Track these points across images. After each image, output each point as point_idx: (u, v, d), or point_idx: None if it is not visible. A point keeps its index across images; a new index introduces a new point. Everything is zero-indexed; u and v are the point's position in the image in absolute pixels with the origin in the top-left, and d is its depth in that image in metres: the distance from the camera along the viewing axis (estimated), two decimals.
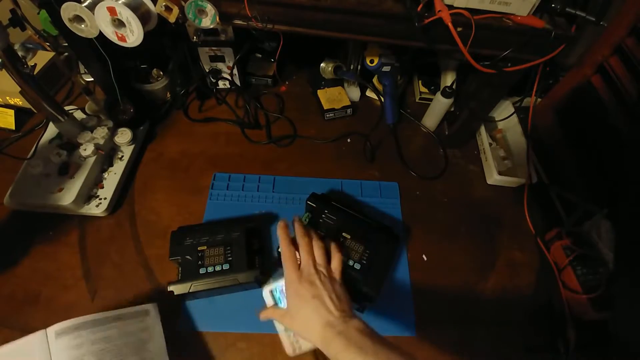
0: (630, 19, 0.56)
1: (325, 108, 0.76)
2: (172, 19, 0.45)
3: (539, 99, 0.75)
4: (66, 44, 0.71)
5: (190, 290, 0.48)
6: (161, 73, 0.73)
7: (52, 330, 0.43)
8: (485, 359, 0.52)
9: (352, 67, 0.76)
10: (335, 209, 0.55)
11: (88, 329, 0.43)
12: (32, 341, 0.43)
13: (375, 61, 0.69)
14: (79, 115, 0.66)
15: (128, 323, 0.46)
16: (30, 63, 0.56)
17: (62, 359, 0.42)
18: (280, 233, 0.46)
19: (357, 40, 0.61)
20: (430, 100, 0.75)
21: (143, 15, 0.44)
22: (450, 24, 0.43)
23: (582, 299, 0.53)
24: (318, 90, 0.79)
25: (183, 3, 0.45)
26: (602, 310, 0.52)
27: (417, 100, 0.83)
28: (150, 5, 0.45)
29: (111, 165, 0.64)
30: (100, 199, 0.59)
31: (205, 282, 0.49)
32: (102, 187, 0.61)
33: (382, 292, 0.53)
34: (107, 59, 0.56)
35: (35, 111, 0.71)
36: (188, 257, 0.51)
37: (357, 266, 0.50)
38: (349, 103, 0.77)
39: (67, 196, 0.56)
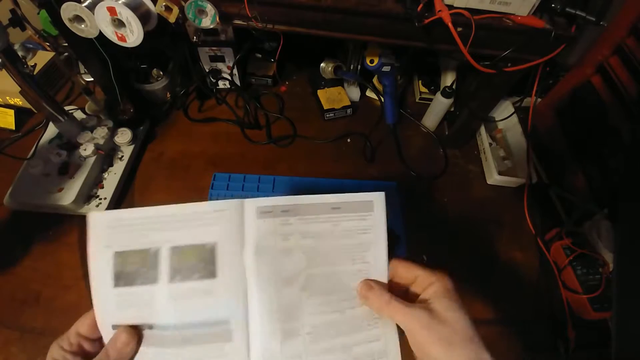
0: (630, 19, 0.56)
1: (325, 108, 0.76)
2: (172, 19, 0.45)
3: (539, 99, 0.75)
4: (66, 44, 0.71)
5: None
6: (161, 73, 0.73)
7: (252, 204, 0.29)
8: None
9: (352, 67, 0.76)
10: None
11: (298, 216, 0.30)
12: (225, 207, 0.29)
13: (375, 61, 0.69)
14: (79, 115, 0.66)
15: (346, 218, 0.31)
16: (30, 63, 0.56)
17: (263, 243, 0.29)
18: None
19: (357, 40, 0.61)
20: (430, 100, 0.75)
21: (143, 15, 0.44)
22: (450, 24, 0.43)
23: (582, 299, 0.53)
24: (318, 90, 0.79)
25: (183, 3, 0.45)
26: (602, 310, 0.52)
27: (417, 100, 0.83)
28: (150, 5, 0.45)
29: (111, 165, 0.64)
30: (100, 199, 0.59)
31: None
32: (102, 187, 0.61)
33: None
34: (107, 59, 0.56)
35: (35, 111, 0.71)
36: None
37: None
38: (349, 103, 0.77)
39: (67, 196, 0.56)
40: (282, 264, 0.29)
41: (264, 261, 0.28)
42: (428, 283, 0.29)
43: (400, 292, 0.30)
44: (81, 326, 0.28)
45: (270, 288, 0.28)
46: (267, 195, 0.63)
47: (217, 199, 0.62)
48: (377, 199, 0.32)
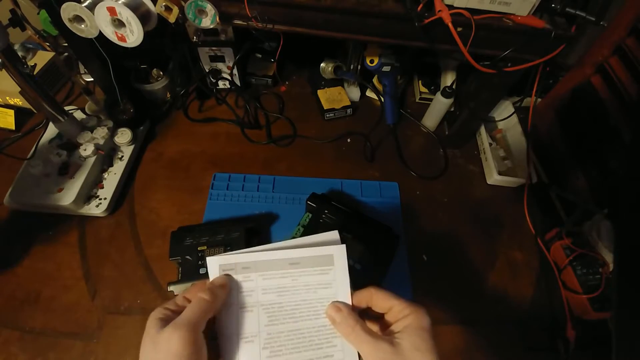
0: (630, 19, 0.56)
1: (325, 108, 0.76)
2: (172, 19, 0.45)
3: (539, 99, 0.75)
4: (66, 44, 0.71)
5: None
6: (161, 73, 0.73)
7: (214, 261, 0.31)
8: (485, 359, 0.52)
9: (352, 67, 0.76)
10: (335, 209, 0.56)
11: (258, 272, 0.31)
12: None
13: (375, 61, 0.69)
14: (79, 115, 0.66)
15: (305, 272, 0.31)
16: (30, 63, 0.56)
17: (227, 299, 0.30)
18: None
19: (357, 40, 0.61)
20: (430, 100, 0.75)
21: (143, 15, 0.44)
22: (450, 24, 0.43)
23: (582, 299, 0.53)
24: (318, 90, 0.79)
25: (183, 3, 0.45)
26: (602, 310, 0.52)
27: (417, 100, 0.83)
28: (150, 5, 0.45)
29: (111, 165, 0.64)
30: (100, 199, 0.59)
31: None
32: (102, 187, 0.61)
33: None
34: (107, 59, 0.56)
35: (35, 111, 0.71)
36: (188, 257, 0.51)
37: (358, 266, 0.50)
38: (349, 103, 0.77)
39: (67, 196, 0.56)
40: (243, 320, 0.29)
41: (226, 318, 0.29)
42: (402, 315, 0.27)
43: (374, 320, 0.29)
44: (188, 292, 0.30)
45: (232, 344, 0.29)
46: (267, 195, 0.63)
47: (217, 200, 0.62)
48: (338, 252, 0.32)
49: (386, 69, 0.70)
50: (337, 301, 0.30)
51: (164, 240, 0.55)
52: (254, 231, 0.56)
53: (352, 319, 0.28)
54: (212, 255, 0.31)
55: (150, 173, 0.66)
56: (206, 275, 0.31)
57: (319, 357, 0.29)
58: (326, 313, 0.30)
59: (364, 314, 0.30)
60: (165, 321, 0.26)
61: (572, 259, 0.56)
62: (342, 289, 0.31)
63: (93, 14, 0.43)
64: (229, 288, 0.29)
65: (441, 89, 0.70)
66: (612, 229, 0.56)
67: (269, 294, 0.30)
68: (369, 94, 0.82)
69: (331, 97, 0.78)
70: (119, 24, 0.43)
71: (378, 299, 0.29)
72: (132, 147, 0.66)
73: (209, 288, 0.28)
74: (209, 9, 0.45)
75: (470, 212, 0.66)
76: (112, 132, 0.65)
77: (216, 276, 0.30)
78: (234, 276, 0.30)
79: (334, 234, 0.32)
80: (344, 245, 0.32)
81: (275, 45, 0.69)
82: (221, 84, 0.76)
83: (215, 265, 0.31)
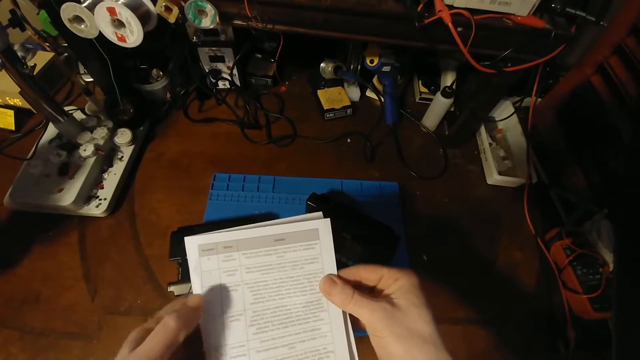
0: (630, 19, 0.56)
1: (325, 108, 0.76)
2: (171, 19, 0.45)
3: (539, 99, 0.76)
4: (66, 44, 0.71)
5: (190, 291, 0.48)
6: (161, 73, 0.73)
7: (193, 242, 0.30)
8: (485, 359, 0.52)
9: (352, 67, 0.76)
10: (335, 209, 0.55)
11: (241, 251, 0.30)
12: None
13: (375, 61, 0.69)
14: (78, 115, 0.66)
15: (291, 248, 0.31)
16: (30, 63, 0.56)
17: (208, 280, 0.29)
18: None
19: (357, 40, 0.61)
20: (430, 100, 0.75)
21: (143, 16, 0.44)
22: (450, 24, 0.43)
23: (582, 299, 0.53)
24: (318, 90, 0.79)
25: (183, 3, 0.45)
26: (602, 310, 0.52)
27: (417, 100, 0.83)
28: (150, 5, 0.45)
29: (111, 165, 0.64)
30: (100, 199, 0.59)
31: None
32: (102, 188, 0.61)
33: None
34: (107, 59, 0.56)
35: (35, 111, 0.71)
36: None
37: None
38: (349, 103, 0.77)
39: (67, 196, 0.56)
40: (227, 299, 0.29)
41: (210, 298, 0.29)
42: (393, 279, 0.29)
43: (365, 292, 0.30)
44: (166, 309, 0.29)
45: (217, 325, 0.28)
46: (267, 195, 0.63)
47: (217, 200, 0.62)
48: (322, 226, 0.32)
49: (386, 69, 0.70)
50: (331, 275, 0.30)
51: (164, 240, 0.55)
52: None
53: (348, 288, 0.29)
54: (191, 235, 0.29)
55: (150, 173, 0.66)
56: None
57: (306, 331, 0.30)
58: (320, 287, 0.30)
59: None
60: (139, 343, 0.24)
61: (572, 259, 0.56)
62: (328, 263, 0.31)
63: (93, 14, 0.43)
64: (201, 310, 0.28)
65: (441, 89, 0.70)
66: (612, 229, 0.56)
67: (253, 272, 0.30)
68: (369, 94, 0.82)
69: (331, 97, 0.78)
70: (118, 24, 0.43)
71: (367, 272, 0.30)
72: (132, 147, 0.66)
73: (178, 312, 0.26)
74: (209, 9, 0.45)
75: (470, 212, 0.66)
76: (112, 133, 0.65)
77: (196, 257, 0.29)
78: (215, 256, 0.29)
79: (318, 215, 0.32)
80: (329, 219, 0.32)
81: (275, 45, 0.69)
82: (221, 84, 0.76)
83: (194, 246, 0.29)
